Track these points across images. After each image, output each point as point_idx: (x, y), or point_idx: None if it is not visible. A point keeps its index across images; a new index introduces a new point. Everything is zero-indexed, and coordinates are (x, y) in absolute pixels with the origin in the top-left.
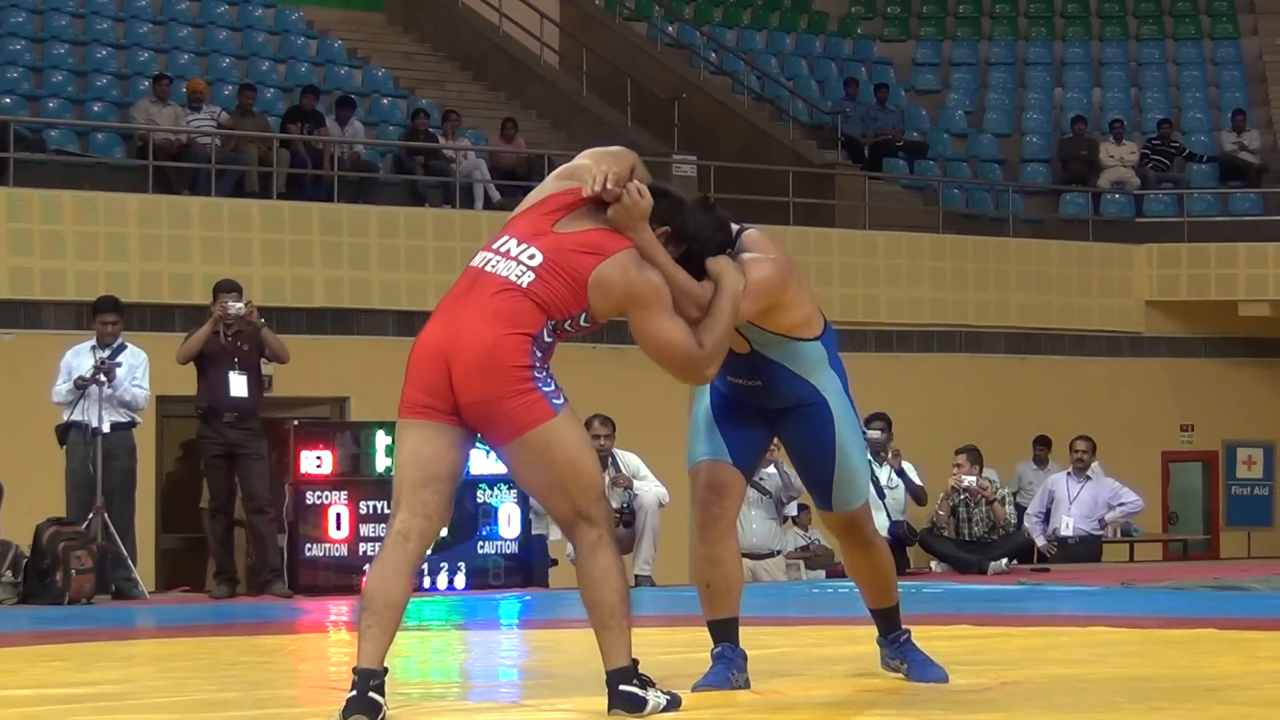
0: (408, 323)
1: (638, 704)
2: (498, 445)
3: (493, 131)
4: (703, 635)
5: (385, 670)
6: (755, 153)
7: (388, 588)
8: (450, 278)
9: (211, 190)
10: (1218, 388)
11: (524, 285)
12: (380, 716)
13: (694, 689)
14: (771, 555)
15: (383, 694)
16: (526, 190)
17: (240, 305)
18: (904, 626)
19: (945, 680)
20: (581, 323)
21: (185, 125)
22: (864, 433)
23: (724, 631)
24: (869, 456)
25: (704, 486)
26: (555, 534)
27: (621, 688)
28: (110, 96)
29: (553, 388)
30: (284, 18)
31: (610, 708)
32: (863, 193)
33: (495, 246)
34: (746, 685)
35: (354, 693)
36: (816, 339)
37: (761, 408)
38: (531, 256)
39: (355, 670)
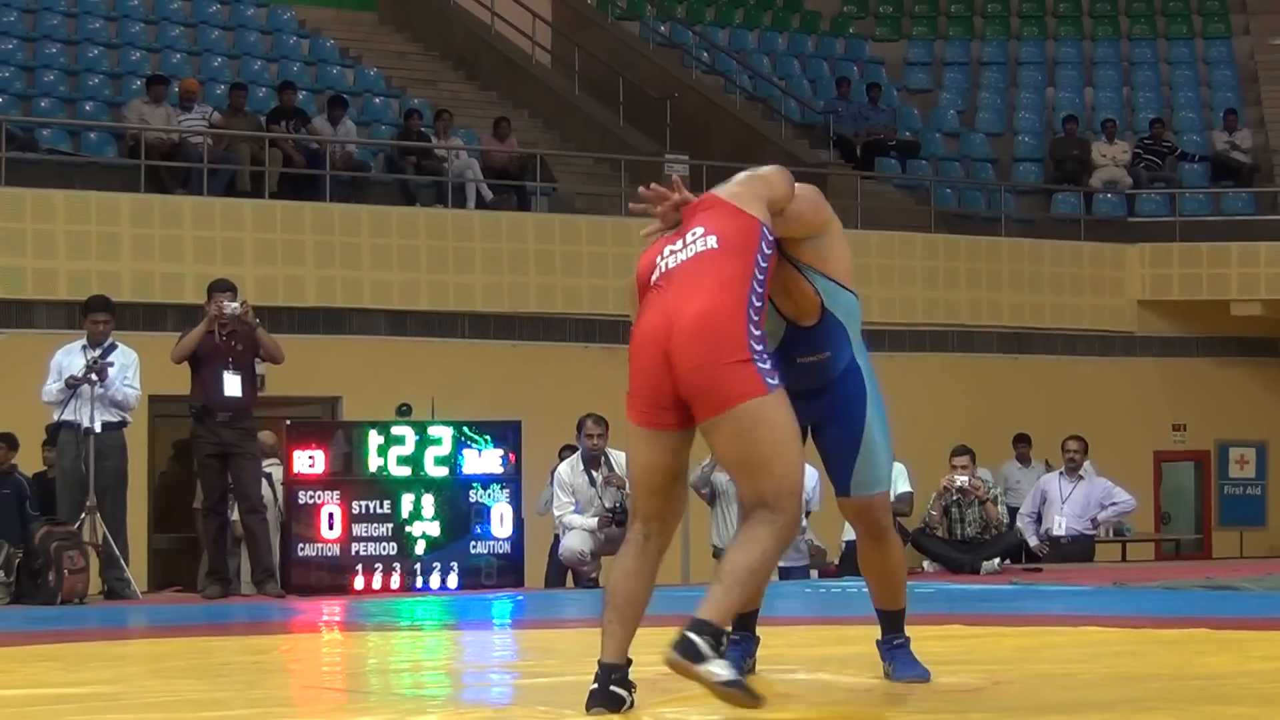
0: (400, 322)
1: (695, 654)
2: (706, 417)
3: (485, 131)
4: None
5: (629, 663)
6: (747, 152)
7: (628, 585)
8: (442, 276)
9: (204, 190)
10: (1210, 387)
11: (715, 246)
12: (624, 708)
13: None
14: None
15: (626, 687)
16: (519, 190)
17: (236, 305)
18: (905, 634)
19: (927, 678)
20: (769, 237)
21: (177, 125)
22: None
23: (742, 621)
24: None
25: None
26: (578, 544)
27: (690, 634)
28: (102, 96)
29: (769, 365)
30: (276, 17)
31: (672, 645)
32: (855, 192)
33: (662, 255)
34: (753, 670)
35: (595, 685)
36: (854, 292)
37: (808, 391)
38: (695, 232)
39: (599, 664)
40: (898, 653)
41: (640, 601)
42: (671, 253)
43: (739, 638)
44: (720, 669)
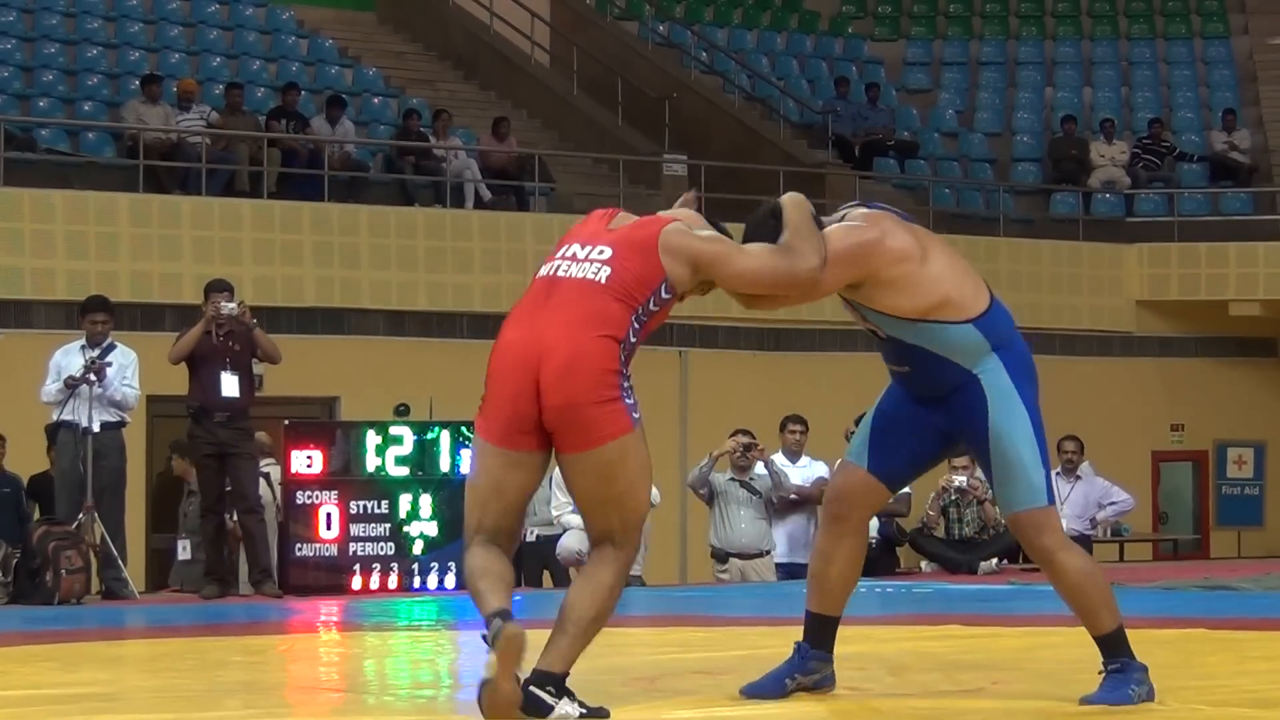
0: (398, 323)
1: (542, 709)
2: (570, 452)
3: (484, 131)
4: (693, 635)
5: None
6: (746, 152)
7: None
8: (440, 278)
9: (202, 190)
10: (1208, 387)
11: (603, 281)
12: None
13: (741, 691)
14: (760, 555)
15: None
16: (517, 190)
17: (233, 305)
18: (1119, 659)
19: (1120, 701)
20: (663, 295)
21: (175, 125)
22: (1035, 429)
23: (811, 627)
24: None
25: (830, 488)
26: (575, 543)
27: (532, 689)
28: (101, 96)
29: (633, 400)
30: (274, 17)
31: (520, 705)
32: (854, 192)
33: (561, 254)
34: (812, 687)
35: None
36: (967, 322)
37: (923, 398)
38: (601, 252)
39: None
40: (1106, 680)
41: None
42: (571, 257)
43: (795, 646)
44: (567, 708)
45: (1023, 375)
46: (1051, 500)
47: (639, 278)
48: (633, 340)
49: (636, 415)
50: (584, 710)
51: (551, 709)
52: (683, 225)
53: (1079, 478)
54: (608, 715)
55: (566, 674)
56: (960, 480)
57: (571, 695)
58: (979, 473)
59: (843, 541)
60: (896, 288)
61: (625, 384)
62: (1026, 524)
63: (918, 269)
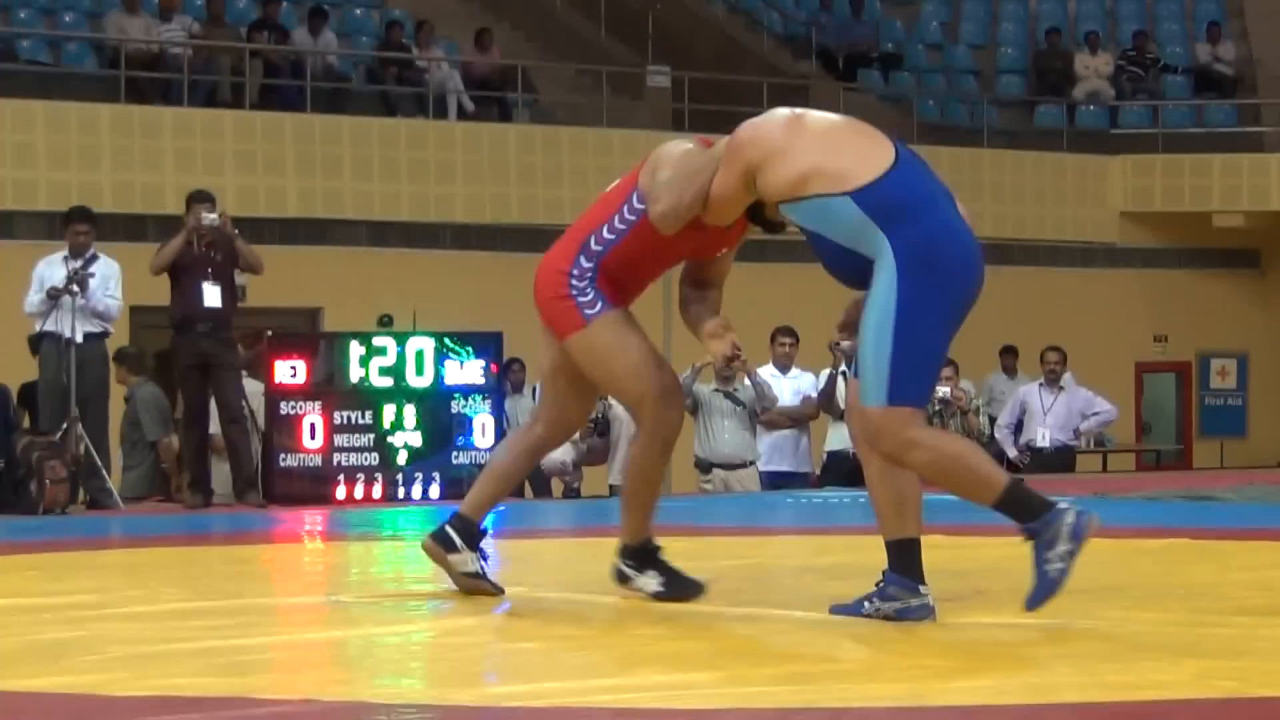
0: (380, 233)
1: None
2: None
3: (467, 42)
4: (675, 545)
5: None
6: (730, 64)
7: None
8: (423, 187)
9: (184, 100)
10: (1191, 298)
11: (594, 201)
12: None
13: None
14: (744, 466)
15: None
16: (500, 101)
17: (214, 216)
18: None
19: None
20: (635, 204)
21: (156, 35)
22: (898, 320)
23: (889, 554)
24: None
25: (848, 413)
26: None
27: (618, 563)
28: (82, 6)
29: (590, 296)
30: None
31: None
32: (837, 104)
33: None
34: (894, 616)
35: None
36: (844, 194)
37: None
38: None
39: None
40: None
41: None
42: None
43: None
44: (643, 580)
45: (912, 261)
46: (895, 400)
47: (619, 191)
48: (595, 247)
49: (591, 311)
50: (662, 583)
51: (629, 579)
52: (677, 152)
53: (1062, 388)
54: (699, 589)
55: (644, 545)
56: (944, 391)
57: (658, 566)
58: (963, 383)
59: (872, 461)
60: (768, 167)
61: (576, 283)
62: (864, 419)
63: (789, 141)
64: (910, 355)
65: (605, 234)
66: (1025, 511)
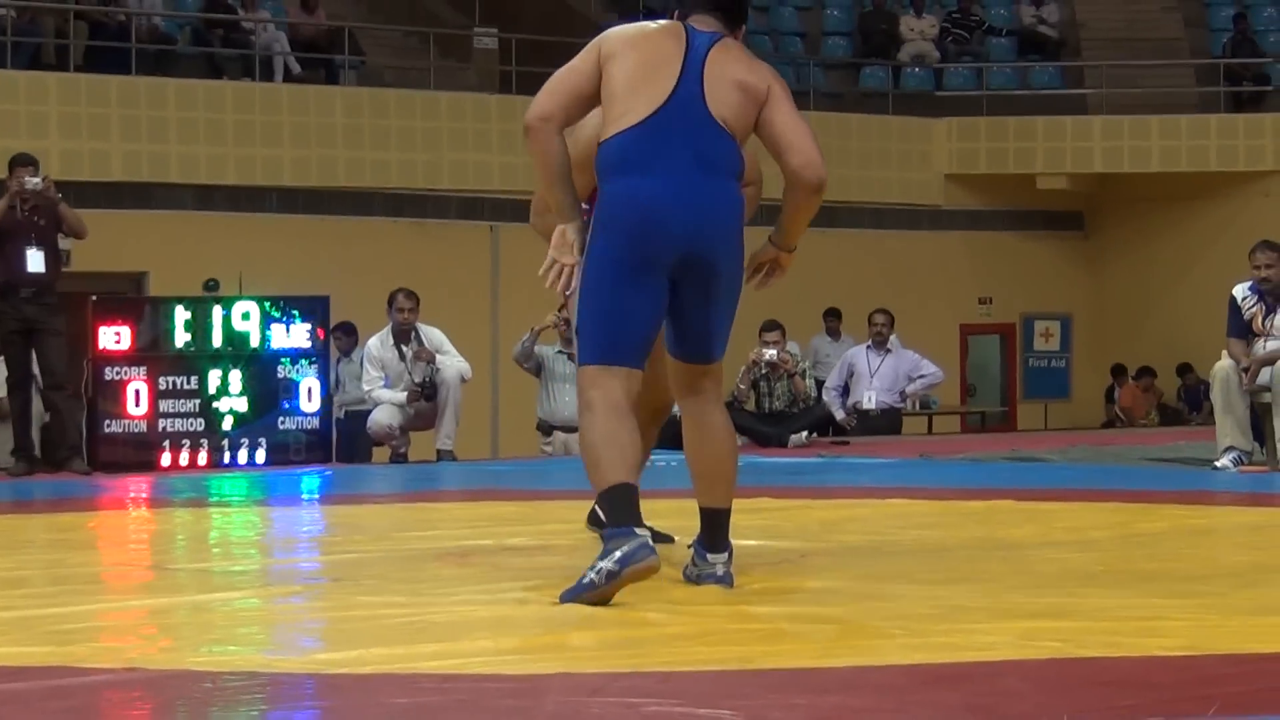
0: (207, 197)
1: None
2: None
3: (293, 4)
4: (505, 510)
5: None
6: (557, 25)
7: None
8: (249, 150)
9: (7, 63)
10: (1016, 261)
11: None
12: None
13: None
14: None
15: None
16: (327, 64)
17: (37, 180)
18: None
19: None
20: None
21: None
22: (585, 281)
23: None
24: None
25: None
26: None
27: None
28: None
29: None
30: None
31: None
32: None
33: None
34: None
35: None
36: (604, 141)
37: None
38: None
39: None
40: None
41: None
42: None
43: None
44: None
45: (597, 220)
46: (592, 360)
47: None
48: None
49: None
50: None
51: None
52: None
53: (889, 351)
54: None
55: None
56: (771, 354)
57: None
58: (790, 346)
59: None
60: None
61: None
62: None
63: (611, 71)
64: (590, 314)
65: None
66: (610, 516)
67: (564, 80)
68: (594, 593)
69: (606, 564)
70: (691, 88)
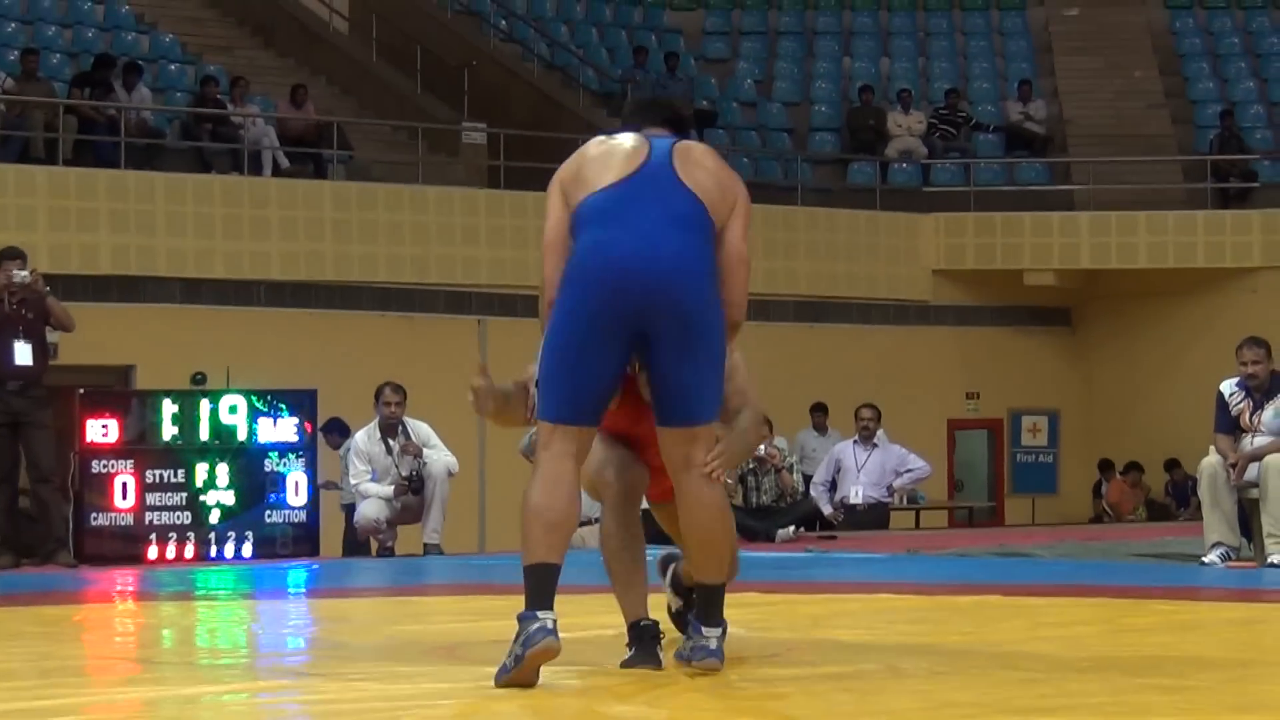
0: (195, 290)
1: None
2: None
3: (282, 98)
4: (493, 604)
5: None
6: (545, 120)
7: None
8: (237, 244)
9: None
10: (1003, 356)
11: None
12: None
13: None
14: (588, 523)
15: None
16: (315, 158)
17: (25, 273)
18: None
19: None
20: None
21: None
22: (550, 338)
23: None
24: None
25: None
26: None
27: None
28: None
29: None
30: None
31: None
32: None
33: None
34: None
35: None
36: (578, 205)
37: None
38: None
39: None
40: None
41: None
42: None
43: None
44: None
45: (567, 276)
46: (549, 416)
47: None
48: None
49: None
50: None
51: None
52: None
53: (876, 445)
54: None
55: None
56: (759, 449)
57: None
58: (777, 441)
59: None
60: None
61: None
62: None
63: (581, 175)
64: (553, 368)
65: None
66: (526, 596)
67: (550, 235)
68: (510, 675)
69: (515, 648)
70: (661, 160)
